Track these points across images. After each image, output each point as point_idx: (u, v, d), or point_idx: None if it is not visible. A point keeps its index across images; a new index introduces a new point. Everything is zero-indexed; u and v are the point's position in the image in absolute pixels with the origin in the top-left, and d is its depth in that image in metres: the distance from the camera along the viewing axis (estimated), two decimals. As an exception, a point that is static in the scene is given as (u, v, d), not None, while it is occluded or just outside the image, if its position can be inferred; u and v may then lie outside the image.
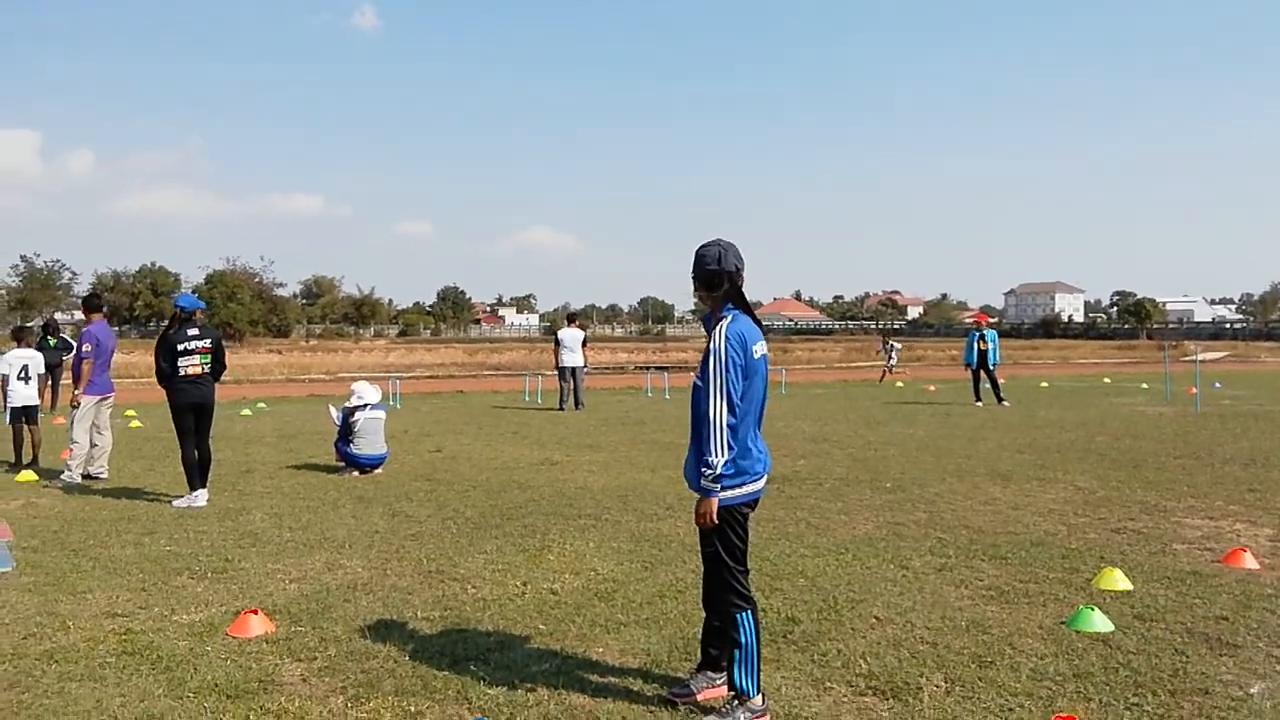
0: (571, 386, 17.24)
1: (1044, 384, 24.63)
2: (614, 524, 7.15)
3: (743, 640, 3.63)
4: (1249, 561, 5.76)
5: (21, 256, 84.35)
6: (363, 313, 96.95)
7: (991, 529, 6.85)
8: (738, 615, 3.64)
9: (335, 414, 10.09)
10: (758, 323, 3.73)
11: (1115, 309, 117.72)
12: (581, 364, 17.58)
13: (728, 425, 3.49)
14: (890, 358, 28.38)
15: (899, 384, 24.77)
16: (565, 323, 18.42)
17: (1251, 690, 3.84)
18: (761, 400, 3.69)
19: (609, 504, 7.93)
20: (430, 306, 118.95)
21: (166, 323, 8.37)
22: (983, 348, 17.75)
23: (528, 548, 6.39)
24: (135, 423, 14.65)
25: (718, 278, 3.67)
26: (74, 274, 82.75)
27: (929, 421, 14.69)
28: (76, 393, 9.20)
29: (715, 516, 3.55)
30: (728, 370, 3.52)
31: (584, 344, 17.84)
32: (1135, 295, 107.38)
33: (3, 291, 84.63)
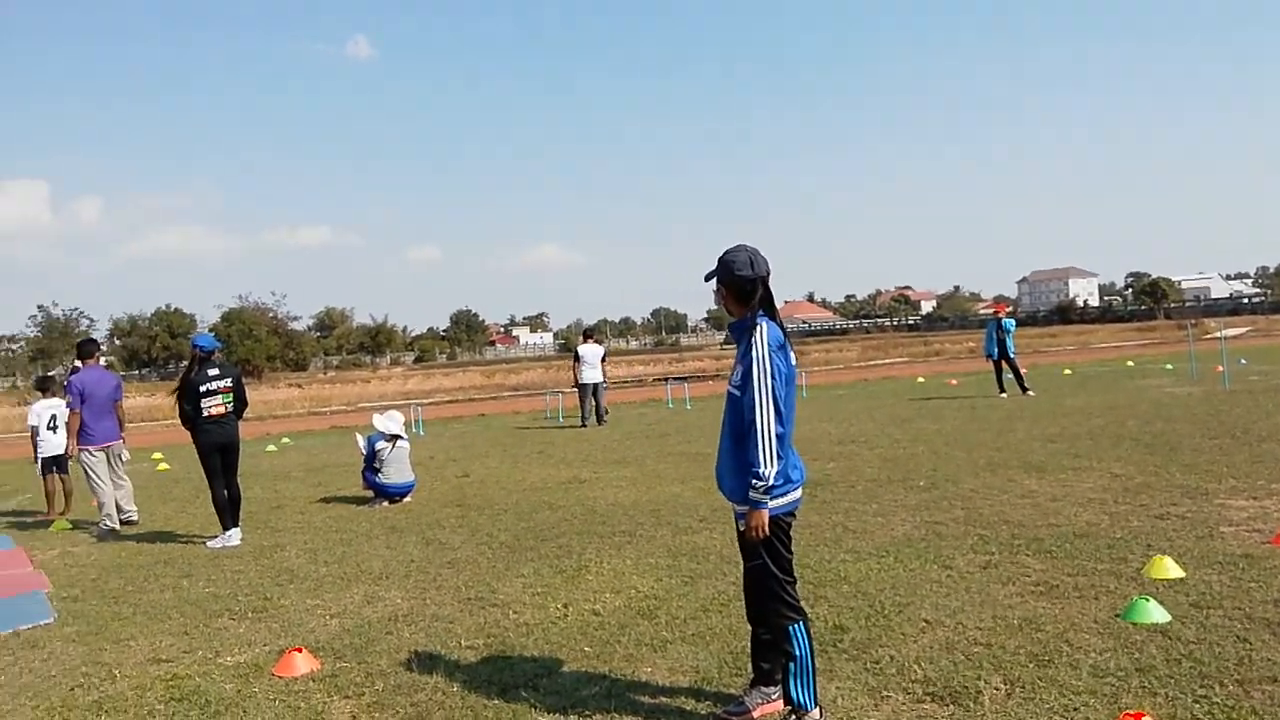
0: (593, 403, 17.23)
1: (1067, 371, 24.43)
2: (649, 539, 7.09)
3: (796, 653, 3.57)
4: (1300, 541, 5.65)
5: (39, 307, 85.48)
6: (378, 341, 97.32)
7: (1032, 522, 6.76)
8: (789, 627, 3.59)
9: (361, 443, 10.09)
10: (782, 328, 3.69)
11: (1130, 291, 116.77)
12: (602, 379, 17.58)
13: (776, 435, 3.45)
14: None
15: (919, 379, 24.60)
16: (582, 339, 18.39)
17: (1320, 674, 3.74)
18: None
19: (642, 519, 7.88)
20: (444, 331, 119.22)
21: (186, 365, 8.35)
22: (1002, 337, 17.63)
23: (565, 569, 6.34)
24: (163, 465, 14.71)
25: (750, 284, 3.63)
26: (91, 321, 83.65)
27: (955, 416, 14.57)
28: (70, 444, 9.10)
29: (767, 528, 3.50)
30: (773, 378, 3.47)
31: (603, 359, 17.85)
32: (1150, 275, 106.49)
33: (23, 343, 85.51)
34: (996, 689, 3.83)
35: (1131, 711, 3.39)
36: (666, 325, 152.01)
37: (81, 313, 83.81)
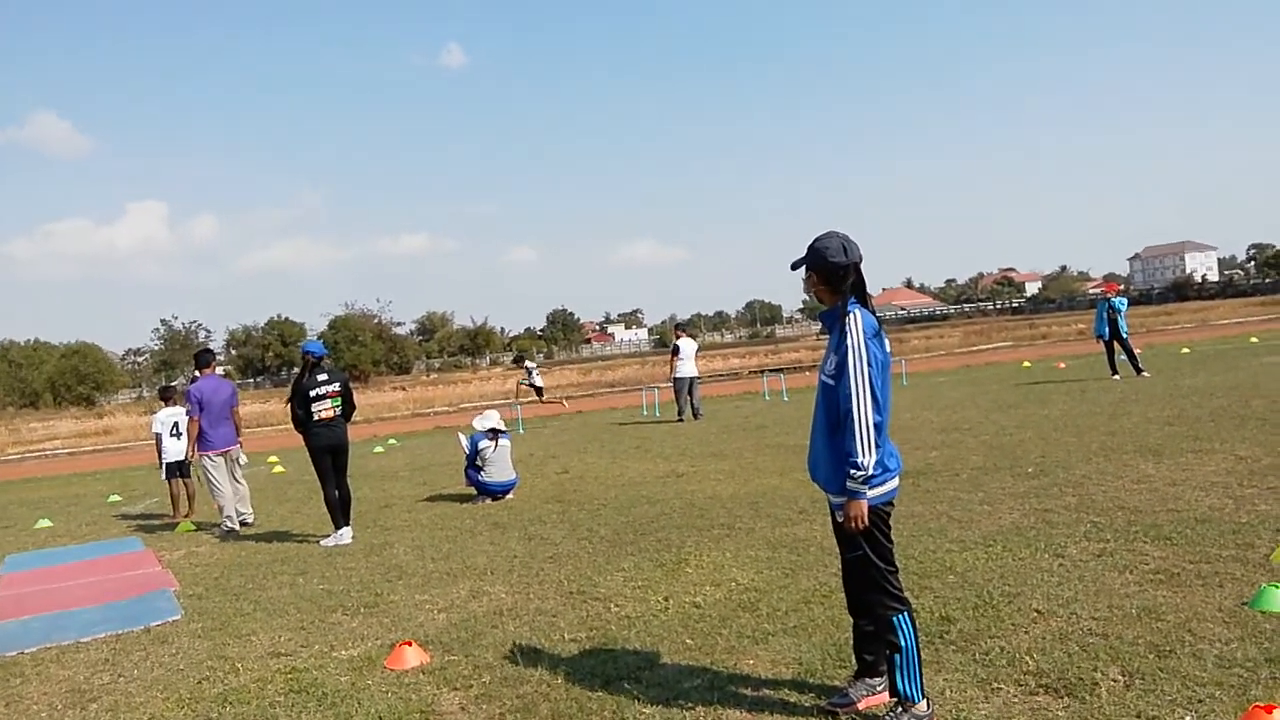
0: (688, 397, 17.24)
1: (1185, 350, 23.28)
2: (748, 532, 7.06)
3: (902, 644, 3.50)
4: None
5: (162, 320, 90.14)
6: (477, 343, 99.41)
7: (1150, 508, 6.47)
8: (893, 618, 3.52)
9: (464, 442, 10.32)
10: (875, 315, 3.62)
11: (1253, 263, 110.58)
12: (697, 374, 17.60)
13: (874, 424, 3.39)
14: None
15: (1025, 364, 23.81)
16: (679, 334, 18.32)
17: None
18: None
19: (740, 512, 7.85)
20: (541, 331, 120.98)
21: (298, 371, 8.68)
22: (1113, 317, 16.93)
23: (665, 562, 6.36)
24: (278, 468, 15.33)
25: (843, 270, 3.57)
26: (209, 332, 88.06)
27: (1064, 400, 14.05)
28: (190, 449, 9.59)
29: (866, 519, 3.45)
30: (870, 365, 3.42)
31: (695, 354, 17.84)
32: (1275, 246, 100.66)
33: (148, 355, 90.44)
34: (1114, 681, 3.68)
35: (1263, 704, 3.22)
36: (761, 317, 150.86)
37: (200, 325, 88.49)
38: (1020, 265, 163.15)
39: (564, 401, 26.16)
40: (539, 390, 25.31)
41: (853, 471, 3.40)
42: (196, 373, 10.09)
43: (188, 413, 9.61)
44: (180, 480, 10.86)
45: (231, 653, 5.27)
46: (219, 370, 10.75)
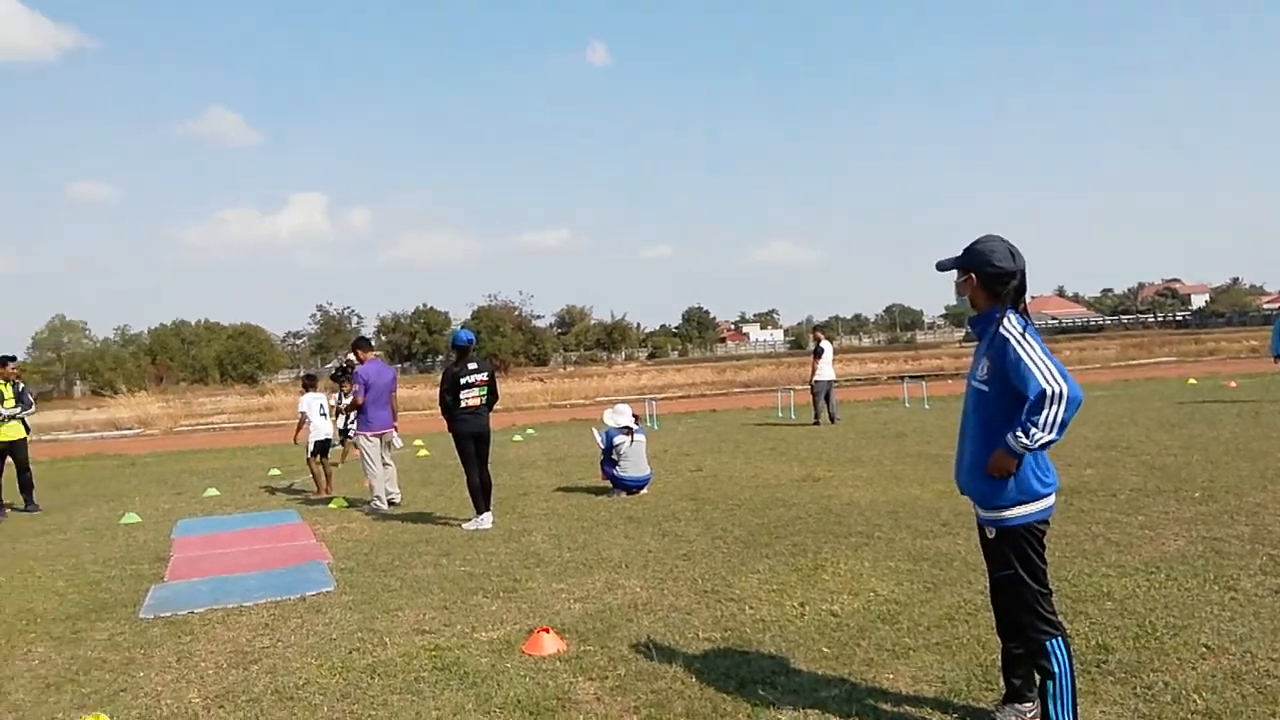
0: (825, 401, 16.97)
1: (1376, 373, 21.30)
2: (887, 542, 6.88)
3: (1055, 670, 3.34)
4: None
5: (318, 306, 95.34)
6: (613, 338, 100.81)
7: (1336, 544, 5.95)
8: (1047, 642, 3.37)
9: (599, 437, 10.46)
10: (1028, 322, 3.47)
11: None
12: (834, 377, 17.33)
13: (1064, 418, 3.25)
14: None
15: (1191, 380, 22.31)
16: (820, 336, 17.97)
17: None
18: None
19: (879, 520, 7.66)
20: (676, 328, 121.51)
21: (453, 358, 8.96)
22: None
23: (800, 567, 6.28)
24: (423, 451, 15.94)
25: (1008, 276, 3.44)
26: (360, 318, 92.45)
27: (1235, 422, 13.10)
28: (353, 430, 10.05)
29: (1010, 470, 3.35)
30: (1047, 356, 3.31)
31: (832, 357, 17.55)
32: None
33: (305, 338, 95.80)
34: (1295, 729, 3.40)
35: None
36: (901, 322, 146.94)
37: (352, 310, 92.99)
38: (1186, 276, 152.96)
39: None
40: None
41: (1020, 435, 3.27)
42: (350, 356, 10.61)
43: (353, 393, 10.10)
44: (322, 459, 11.43)
45: (380, 626, 5.50)
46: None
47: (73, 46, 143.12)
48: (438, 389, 8.87)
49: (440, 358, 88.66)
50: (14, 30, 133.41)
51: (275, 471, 14.38)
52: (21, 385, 11.52)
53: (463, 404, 8.59)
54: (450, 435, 8.82)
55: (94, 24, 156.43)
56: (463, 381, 8.58)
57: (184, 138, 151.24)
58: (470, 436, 8.64)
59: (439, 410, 8.94)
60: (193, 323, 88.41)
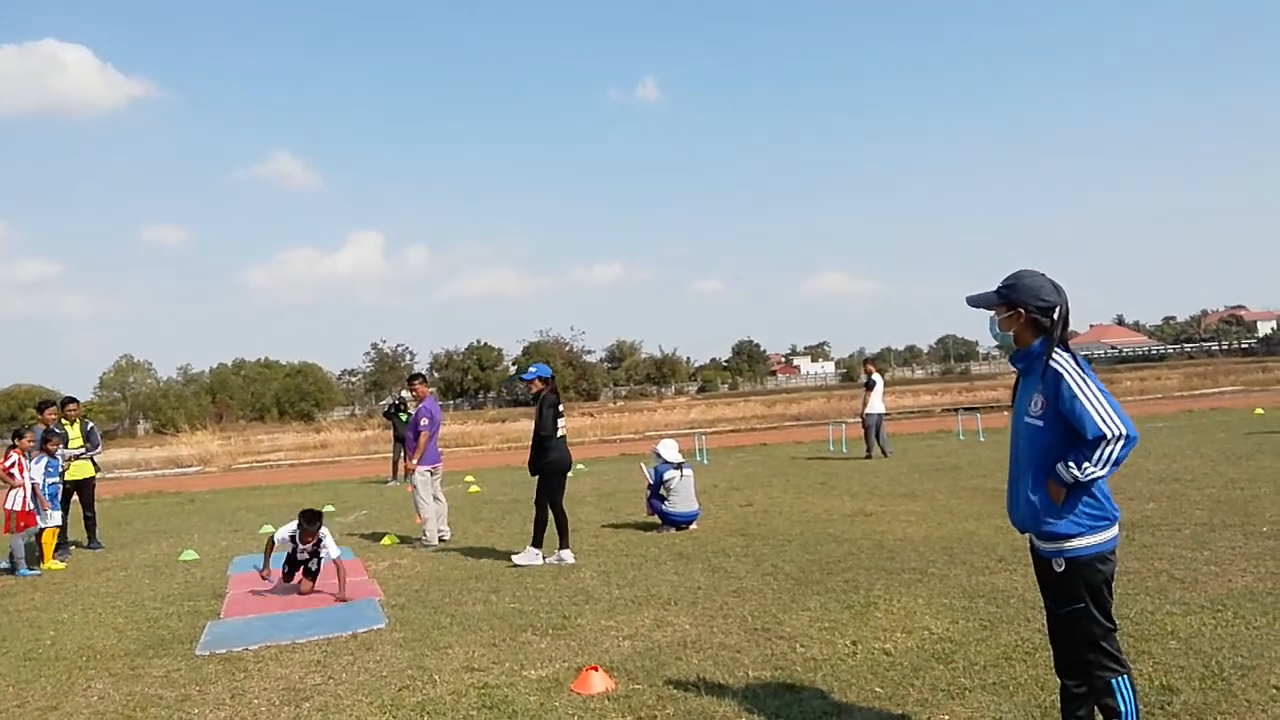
0: (877, 434, 16.77)
1: None
2: (941, 578, 6.75)
3: (1121, 708, 3.27)
4: None
5: (372, 344, 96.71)
6: (663, 372, 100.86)
7: None
8: (1113, 680, 3.29)
9: (648, 472, 10.45)
10: (1072, 355, 3.45)
11: None
12: (885, 410, 17.17)
13: (1118, 456, 3.23)
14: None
15: (1258, 410, 21.62)
16: (872, 368, 17.74)
17: None
18: None
19: (933, 556, 7.52)
20: (726, 361, 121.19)
21: (548, 389, 8.69)
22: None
23: (853, 604, 6.18)
24: (474, 488, 16.02)
25: (1052, 310, 3.42)
26: (413, 355, 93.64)
27: (1306, 453, 12.66)
28: (410, 463, 10.20)
29: (1059, 500, 3.34)
30: (1102, 393, 3.28)
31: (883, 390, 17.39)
32: None
33: (360, 375, 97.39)
34: (1375, 776, 3.25)
35: None
36: (955, 353, 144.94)
37: (406, 348, 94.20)
38: (1250, 303, 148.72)
39: None
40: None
41: (1072, 466, 3.26)
42: (405, 393, 10.83)
43: (423, 427, 10.26)
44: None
45: (430, 664, 5.52)
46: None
47: (143, 96, 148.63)
48: (533, 422, 8.72)
49: (492, 394, 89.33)
50: (89, 83, 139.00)
51: (329, 508, 14.56)
52: (90, 425, 11.85)
53: (560, 433, 8.60)
54: (530, 468, 8.65)
55: (163, 75, 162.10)
56: (561, 409, 8.62)
57: (249, 181, 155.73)
58: (564, 468, 8.62)
59: (532, 442, 8.65)
60: (252, 361, 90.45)
